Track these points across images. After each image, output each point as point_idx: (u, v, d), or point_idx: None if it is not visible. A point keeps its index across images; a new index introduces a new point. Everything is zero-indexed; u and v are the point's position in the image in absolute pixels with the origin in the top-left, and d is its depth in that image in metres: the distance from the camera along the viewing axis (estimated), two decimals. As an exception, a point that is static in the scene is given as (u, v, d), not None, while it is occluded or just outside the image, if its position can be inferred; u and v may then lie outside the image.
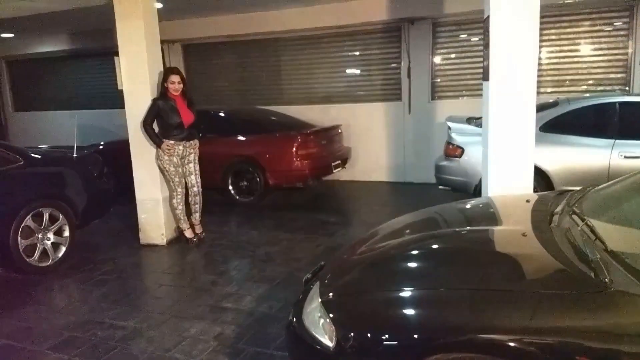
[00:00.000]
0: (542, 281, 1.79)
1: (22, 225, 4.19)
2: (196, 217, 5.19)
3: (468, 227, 2.61)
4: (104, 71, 10.02)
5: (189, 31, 8.48)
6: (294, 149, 6.50)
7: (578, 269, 1.72)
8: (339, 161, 7.06)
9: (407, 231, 2.86)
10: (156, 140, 4.78)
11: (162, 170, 4.92)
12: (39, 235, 4.37)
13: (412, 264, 2.33)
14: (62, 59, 10.40)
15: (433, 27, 7.37)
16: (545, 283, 1.76)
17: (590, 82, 6.82)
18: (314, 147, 6.73)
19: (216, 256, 4.77)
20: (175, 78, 4.76)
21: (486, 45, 3.48)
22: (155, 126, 4.88)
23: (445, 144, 5.58)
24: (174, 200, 4.97)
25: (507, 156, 3.50)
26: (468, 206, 3.09)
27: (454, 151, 5.42)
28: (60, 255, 4.53)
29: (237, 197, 6.80)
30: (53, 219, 4.48)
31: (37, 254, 4.34)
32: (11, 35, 9.34)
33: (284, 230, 5.51)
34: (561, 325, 1.54)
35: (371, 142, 7.81)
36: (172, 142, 4.79)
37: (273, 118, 7.54)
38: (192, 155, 5.01)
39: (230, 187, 6.82)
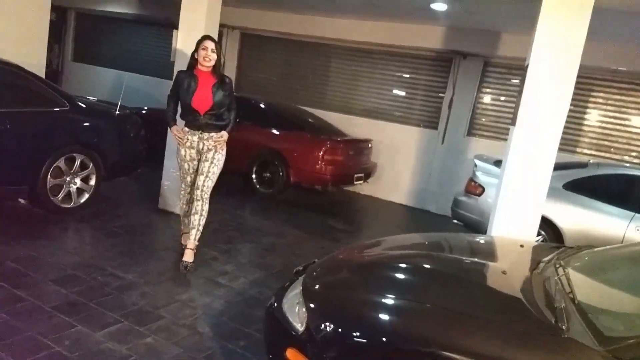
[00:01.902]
0: (506, 314, 1.88)
1: (55, 165, 4.48)
2: (191, 236, 3.89)
3: (459, 256, 2.71)
4: (161, 41, 10.42)
5: (248, 20, 8.75)
6: (321, 152, 6.66)
7: (542, 311, 1.81)
8: (362, 174, 7.18)
9: (406, 247, 2.98)
10: (168, 121, 3.94)
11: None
12: (67, 178, 4.64)
13: (400, 275, 2.44)
14: (125, 21, 10.86)
15: (484, 65, 7.43)
16: (508, 316, 1.85)
17: (633, 153, 6.75)
18: (341, 155, 6.88)
19: (223, 235, 4.95)
20: (208, 43, 3.74)
21: (520, 92, 3.57)
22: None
23: (468, 180, 5.63)
24: (180, 192, 4.18)
25: (518, 202, 3.56)
26: (470, 239, 3.19)
27: (475, 189, 5.47)
28: (82, 201, 4.80)
29: (258, 187, 7.00)
30: (83, 166, 4.75)
31: (61, 195, 4.61)
32: (85, -11, 9.83)
33: (293, 226, 5.66)
34: (511, 357, 1.64)
35: (398, 163, 7.90)
36: (186, 129, 3.88)
37: (309, 119, 7.72)
38: (211, 153, 3.87)
39: (254, 176, 7.03)
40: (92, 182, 4.86)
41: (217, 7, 5.26)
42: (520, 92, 3.57)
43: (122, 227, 4.62)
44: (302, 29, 8.35)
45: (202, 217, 3.89)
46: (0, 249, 3.68)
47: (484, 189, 5.43)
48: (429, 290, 2.15)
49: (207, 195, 3.87)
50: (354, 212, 7.31)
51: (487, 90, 7.49)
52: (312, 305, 2.09)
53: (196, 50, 3.78)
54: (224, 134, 3.90)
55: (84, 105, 4.92)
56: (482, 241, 3.13)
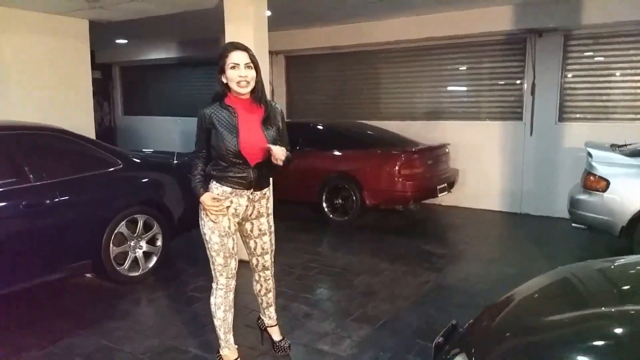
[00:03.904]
0: None
1: (116, 231, 4.02)
2: (270, 312, 2.96)
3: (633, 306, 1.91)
4: (208, 80, 10.18)
5: (291, 42, 8.28)
6: (397, 167, 5.94)
7: None
8: (445, 184, 6.37)
9: (553, 302, 2.19)
10: (195, 186, 2.58)
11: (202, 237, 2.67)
12: (131, 243, 4.18)
13: (580, 354, 1.67)
14: (169, 67, 10.73)
15: (564, 40, 6.46)
16: None
17: None
18: (419, 167, 6.12)
19: (310, 282, 4.30)
20: (239, 57, 2.43)
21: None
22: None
23: (585, 175, 4.69)
24: (213, 298, 2.68)
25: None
26: (618, 268, 2.34)
27: (596, 183, 4.53)
28: (150, 265, 4.32)
29: (331, 216, 6.37)
30: (147, 227, 4.28)
31: (127, 263, 4.15)
32: (125, 41, 9.76)
33: (382, 258, 4.93)
34: None
35: (482, 165, 7.00)
36: (227, 189, 2.54)
37: (374, 133, 7.03)
38: (264, 218, 2.72)
39: (325, 204, 6.41)
40: (159, 242, 4.38)
41: (264, 30, 4.72)
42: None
43: (200, 290, 4.06)
44: (350, 40, 7.73)
45: (274, 289, 2.96)
46: (70, 342, 3.20)
47: (608, 182, 4.49)
48: None
49: (273, 260, 2.87)
50: (445, 228, 6.46)
51: (574, 67, 6.49)
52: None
53: (221, 71, 2.47)
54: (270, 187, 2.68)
55: (138, 161, 4.48)
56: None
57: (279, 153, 2.43)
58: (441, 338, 2.03)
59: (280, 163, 2.47)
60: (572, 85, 6.49)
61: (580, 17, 6.05)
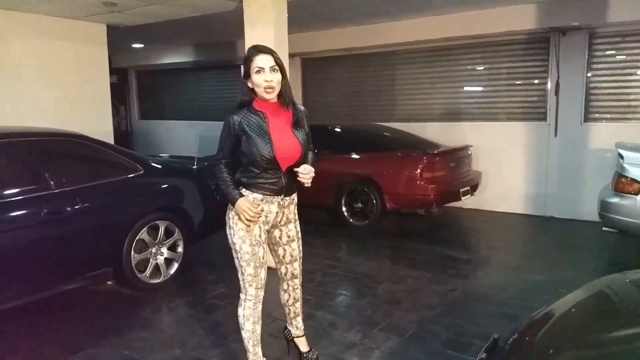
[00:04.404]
0: None
1: (137, 238, 3.97)
2: (298, 322, 2.88)
3: None
4: (223, 84, 10.16)
5: (307, 44, 8.21)
6: (419, 170, 5.81)
7: None
8: (468, 187, 6.23)
9: (595, 319, 2.08)
10: (230, 192, 2.47)
11: (230, 246, 2.56)
12: (153, 250, 4.13)
13: None
14: (185, 71, 10.73)
15: (589, 39, 6.28)
16: None
17: None
18: (442, 169, 5.99)
19: (332, 289, 4.20)
20: (264, 61, 2.35)
21: None
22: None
23: (616, 177, 4.53)
24: (242, 309, 2.57)
25: None
26: None
27: (628, 186, 4.37)
28: (172, 272, 4.26)
29: (350, 220, 6.26)
30: (168, 233, 4.23)
31: (149, 270, 4.10)
32: (141, 45, 9.77)
33: (405, 264, 4.81)
34: None
35: (504, 166, 6.85)
36: (257, 196, 2.47)
37: (391, 135, 6.92)
38: (292, 224, 2.65)
39: (344, 209, 6.31)
40: (180, 248, 4.32)
41: (284, 32, 4.65)
42: None
43: (221, 297, 3.99)
44: (367, 41, 7.63)
45: (302, 299, 2.89)
46: (91, 353, 3.14)
47: (641, 185, 4.33)
48: None
49: (301, 267, 2.78)
50: (468, 232, 6.33)
51: (599, 66, 6.31)
52: None
53: (247, 75, 2.40)
54: (311, 172, 2.48)
55: (159, 166, 4.43)
56: None
57: (306, 174, 2.41)
58: (484, 354, 1.92)
59: (308, 184, 2.42)
60: (598, 85, 6.31)
61: (606, 14, 5.88)
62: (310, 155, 2.61)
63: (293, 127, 2.46)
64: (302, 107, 2.59)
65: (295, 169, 2.42)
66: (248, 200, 2.44)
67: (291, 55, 8.48)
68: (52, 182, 3.54)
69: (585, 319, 2.09)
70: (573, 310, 2.19)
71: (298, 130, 2.48)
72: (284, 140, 2.42)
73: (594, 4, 5.88)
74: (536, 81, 6.70)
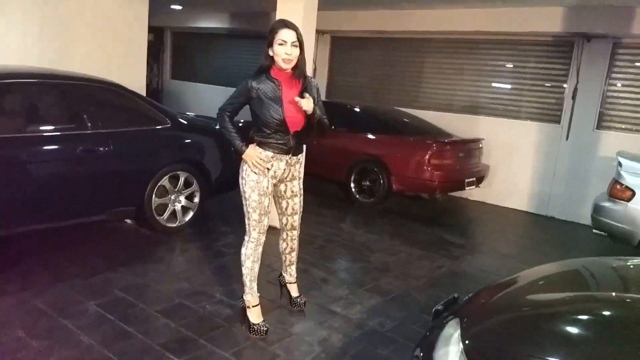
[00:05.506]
0: None
1: (159, 184, 4.37)
2: (292, 270, 3.27)
3: (635, 294, 2.07)
4: (254, 53, 10.45)
5: (338, 23, 8.42)
6: (427, 156, 6.08)
7: None
8: (474, 178, 6.47)
9: (555, 286, 2.37)
10: (235, 142, 2.82)
11: (241, 194, 2.89)
12: (172, 197, 4.53)
13: (564, 329, 1.85)
14: (218, 36, 11.04)
15: (613, 47, 6.39)
16: None
17: None
18: (450, 158, 6.25)
19: (330, 253, 4.56)
20: (287, 34, 2.66)
21: None
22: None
23: (612, 183, 4.75)
24: (244, 249, 2.93)
25: None
26: (629, 265, 2.48)
27: (622, 193, 4.60)
28: (187, 219, 4.66)
29: (357, 196, 6.59)
30: (187, 184, 4.62)
31: (166, 214, 4.51)
32: (179, 7, 10.09)
33: (402, 240, 5.14)
34: None
35: (513, 163, 7.05)
36: (269, 153, 2.79)
37: (409, 121, 7.17)
38: (296, 181, 3.01)
39: (352, 185, 6.63)
40: (197, 199, 4.71)
41: (313, 11, 4.91)
42: None
43: (229, 246, 4.39)
44: (397, 25, 7.82)
45: (297, 249, 3.26)
46: (110, 276, 3.58)
47: (633, 193, 4.55)
48: (610, 351, 1.56)
49: (300, 221, 3.15)
50: (467, 221, 6.61)
51: (619, 76, 6.42)
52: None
53: (270, 44, 2.70)
54: (310, 103, 2.73)
55: (185, 122, 4.80)
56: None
57: (305, 103, 2.67)
58: (441, 306, 2.25)
59: (309, 111, 2.70)
60: (615, 94, 6.44)
61: (632, 25, 5.98)
62: (320, 112, 2.82)
63: (302, 96, 2.74)
64: (314, 81, 2.92)
65: (297, 98, 2.68)
66: (256, 151, 2.79)
67: (322, 32, 8.73)
68: (89, 124, 3.94)
69: (547, 287, 2.38)
70: (540, 281, 2.48)
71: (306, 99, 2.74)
72: (292, 107, 2.73)
73: (622, 14, 5.98)
74: (555, 84, 6.85)
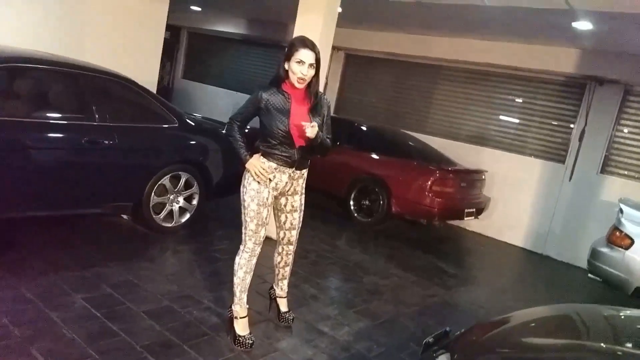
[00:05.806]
0: None
1: (160, 182, 4.35)
2: (283, 285, 3.24)
3: (625, 347, 2.04)
4: (268, 62, 10.50)
5: (354, 41, 8.48)
6: (429, 182, 6.08)
7: None
8: (474, 209, 6.46)
9: (547, 331, 2.35)
10: (240, 150, 2.83)
11: (241, 202, 2.87)
12: (171, 197, 4.50)
13: None
14: (234, 41, 11.11)
15: (624, 93, 6.43)
16: None
17: None
18: (452, 186, 6.25)
19: (323, 269, 4.52)
20: (306, 56, 2.66)
21: None
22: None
23: (612, 229, 4.73)
24: (238, 258, 2.89)
25: None
26: (621, 316, 2.47)
27: (620, 240, 4.57)
28: (183, 220, 4.63)
29: (355, 214, 6.57)
30: (188, 185, 4.60)
31: (163, 213, 4.48)
32: (199, 9, 10.17)
33: (396, 264, 5.10)
34: None
35: (514, 198, 7.04)
36: (272, 164, 2.79)
37: (415, 145, 7.17)
38: (297, 196, 2.98)
39: (352, 202, 6.61)
40: (195, 201, 4.69)
41: (332, 25, 4.94)
42: None
43: (223, 252, 4.36)
44: (412, 50, 7.88)
45: (291, 265, 3.23)
46: (100, 271, 3.54)
47: (632, 241, 4.53)
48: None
49: (298, 236, 3.11)
50: (463, 252, 6.58)
51: (628, 122, 6.45)
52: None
53: (287, 59, 2.71)
54: (315, 128, 2.70)
55: (192, 123, 4.79)
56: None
57: (310, 131, 2.63)
58: (432, 338, 2.22)
59: (312, 135, 2.65)
60: (622, 140, 6.46)
61: (645, 74, 6.02)
62: (324, 135, 2.82)
63: (310, 112, 2.78)
64: (326, 99, 2.91)
65: (304, 123, 2.66)
66: (260, 161, 2.78)
67: (337, 48, 8.78)
68: (96, 115, 3.93)
69: (539, 331, 2.36)
70: (532, 324, 2.46)
71: (314, 116, 2.78)
72: (299, 120, 2.72)
73: (636, 62, 6.02)
74: (563, 124, 6.87)
